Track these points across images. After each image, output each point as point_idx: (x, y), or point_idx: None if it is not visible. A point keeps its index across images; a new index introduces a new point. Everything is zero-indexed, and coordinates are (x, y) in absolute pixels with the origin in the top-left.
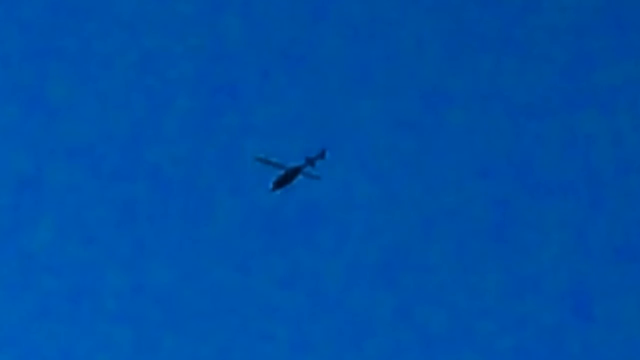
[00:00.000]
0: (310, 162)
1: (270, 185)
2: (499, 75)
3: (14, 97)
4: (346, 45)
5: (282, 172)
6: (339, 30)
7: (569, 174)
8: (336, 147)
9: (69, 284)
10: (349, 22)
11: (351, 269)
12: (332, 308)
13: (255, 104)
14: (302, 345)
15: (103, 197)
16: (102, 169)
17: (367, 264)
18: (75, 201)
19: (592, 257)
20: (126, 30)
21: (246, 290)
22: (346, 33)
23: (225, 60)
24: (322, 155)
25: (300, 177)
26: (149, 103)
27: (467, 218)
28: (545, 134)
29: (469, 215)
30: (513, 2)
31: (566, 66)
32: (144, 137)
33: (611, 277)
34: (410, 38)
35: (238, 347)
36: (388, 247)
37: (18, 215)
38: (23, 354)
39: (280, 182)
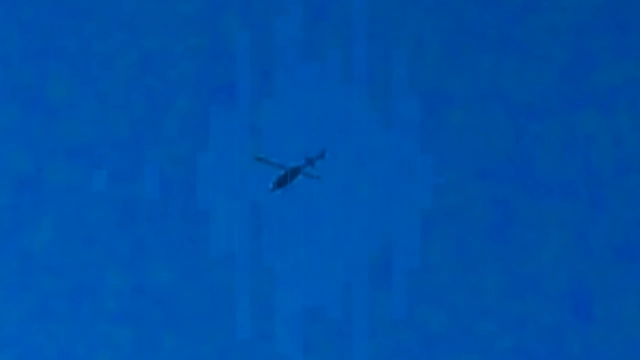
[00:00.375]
0: (310, 162)
1: (270, 185)
2: (499, 75)
3: (14, 97)
4: (346, 44)
5: (282, 172)
6: (339, 30)
7: (569, 174)
8: (336, 147)
9: (69, 284)
10: (349, 21)
11: (350, 268)
12: (331, 308)
13: (255, 104)
14: (302, 345)
15: (103, 197)
16: (102, 169)
17: (366, 264)
18: (76, 201)
19: (592, 257)
20: (126, 30)
21: (246, 291)
22: (346, 33)
23: (225, 60)
24: (322, 155)
25: (300, 177)
26: (149, 103)
27: (467, 218)
28: (545, 134)
29: (469, 215)
30: (513, 2)
31: (566, 66)
32: (144, 137)
33: (611, 277)
34: (410, 38)
35: (238, 348)
36: (388, 247)
37: (18, 215)
38: (23, 354)
39: (280, 182)
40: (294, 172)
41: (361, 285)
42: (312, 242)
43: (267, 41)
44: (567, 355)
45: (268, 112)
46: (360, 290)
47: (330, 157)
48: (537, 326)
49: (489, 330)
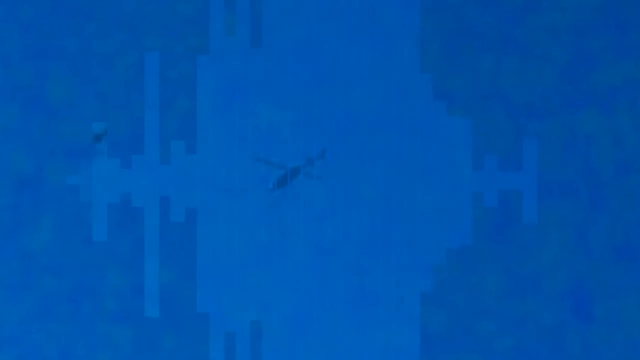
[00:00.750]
0: (310, 162)
1: (270, 185)
2: (499, 75)
3: (14, 97)
4: (347, 44)
5: (282, 172)
6: (339, 29)
7: (569, 174)
8: (336, 147)
9: (69, 284)
10: (350, 21)
11: (350, 268)
12: (329, 308)
13: (256, 104)
14: (301, 344)
15: (103, 197)
16: (101, 168)
17: (366, 263)
18: (76, 201)
19: (592, 257)
20: (126, 30)
21: (245, 290)
22: (346, 32)
23: (226, 59)
24: (322, 155)
25: (300, 177)
26: (149, 103)
27: (467, 217)
28: (545, 134)
29: (469, 214)
30: (513, 2)
31: (566, 66)
32: (144, 136)
33: (611, 277)
34: (410, 38)
35: (238, 348)
36: (388, 246)
37: (18, 215)
38: (23, 354)
39: (280, 182)
40: (294, 172)
41: (360, 285)
42: (311, 242)
43: (267, 39)
44: (567, 355)
45: (268, 111)
46: (358, 291)
47: (330, 157)
48: (537, 326)
49: (489, 330)
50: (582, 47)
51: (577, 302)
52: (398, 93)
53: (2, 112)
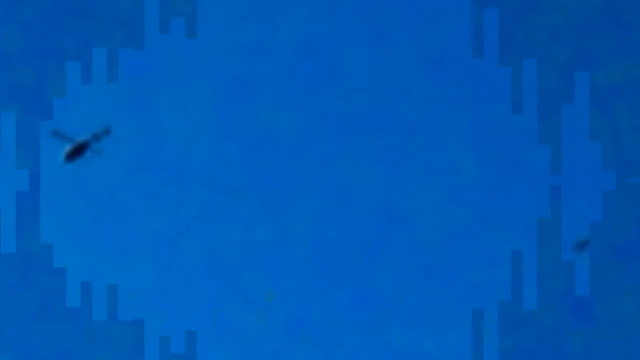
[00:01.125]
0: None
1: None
2: (499, 75)
3: (14, 97)
4: (346, 44)
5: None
6: (340, 29)
7: (569, 173)
8: (336, 147)
9: (68, 284)
10: (350, 21)
11: (351, 267)
12: (329, 306)
13: (256, 104)
14: (298, 340)
15: (104, 197)
16: (103, 169)
17: (366, 264)
18: (75, 201)
19: (592, 257)
20: (126, 30)
21: (245, 289)
22: (347, 32)
23: (226, 58)
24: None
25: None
26: (150, 102)
27: (467, 217)
28: (545, 133)
29: (469, 214)
30: (513, 2)
31: (566, 66)
32: (146, 136)
33: (611, 277)
34: (409, 38)
35: (239, 347)
36: (389, 246)
37: (19, 215)
38: (23, 354)
39: (72, 154)
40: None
41: (360, 285)
42: (312, 242)
43: (268, 40)
44: (567, 355)
45: (268, 112)
46: (357, 290)
47: (330, 156)
48: (537, 326)
49: (490, 330)
50: (582, 47)
51: (577, 302)
52: (398, 93)
53: (2, 112)
